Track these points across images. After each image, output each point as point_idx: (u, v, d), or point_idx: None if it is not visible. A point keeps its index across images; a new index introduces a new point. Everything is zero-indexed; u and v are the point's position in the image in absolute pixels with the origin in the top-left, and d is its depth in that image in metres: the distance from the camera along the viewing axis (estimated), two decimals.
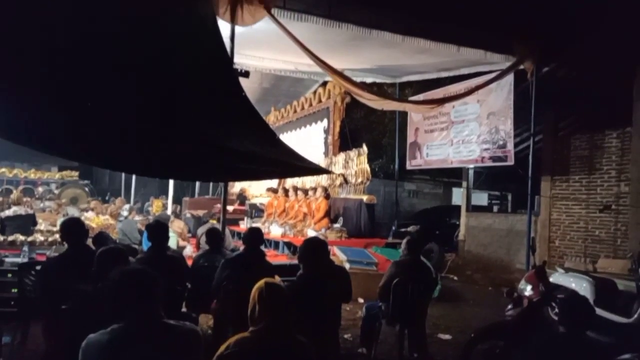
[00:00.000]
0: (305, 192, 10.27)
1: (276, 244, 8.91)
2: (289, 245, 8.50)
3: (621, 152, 8.44)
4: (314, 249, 3.48)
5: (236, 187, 15.29)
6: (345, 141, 11.70)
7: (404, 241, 4.72)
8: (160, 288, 2.15)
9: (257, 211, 11.34)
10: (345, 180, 10.10)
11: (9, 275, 4.94)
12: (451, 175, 16.27)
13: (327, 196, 9.62)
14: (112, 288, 2.10)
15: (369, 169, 10.12)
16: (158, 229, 4.35)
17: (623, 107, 7.99)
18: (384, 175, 15.80)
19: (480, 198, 14.02)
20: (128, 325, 2.05)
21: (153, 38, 3.39)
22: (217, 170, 3.99)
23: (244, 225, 10.35)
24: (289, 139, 13.85)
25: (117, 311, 2.06)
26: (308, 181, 12.25)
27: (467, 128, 9.60)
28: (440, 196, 19.39)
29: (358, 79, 9.19)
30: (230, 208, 11.61)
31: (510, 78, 8.37)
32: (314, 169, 4.59)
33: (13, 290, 4.59)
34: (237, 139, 3.80)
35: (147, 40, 3.33)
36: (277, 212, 10.72)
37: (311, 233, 8.64)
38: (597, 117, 8.79)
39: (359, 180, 10.17)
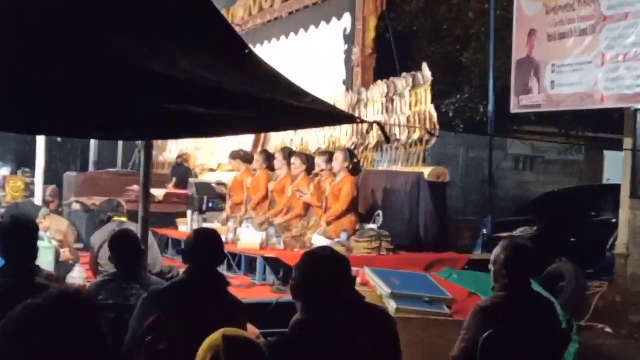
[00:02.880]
0: (308, 160, 10.31)
1: (250, 263, 9.01)
2: (274, 264, 8.60)
3: None
4: (324, 272, 3.52)
5: (170, 150, 15.37)
6: (386, 59, 11.68)
7: (498, 256, 4.75)
8: None
9: (212, 198, 11.42)
10: (387, 138, 10.06)
11: None
12: (601, 126, 16.18)
13: (352, 169, 9.65)
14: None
15: (434, 114, 10.11)
16: (16, 237, 4.44)
17: None
18: (464, 127, 15.78)
19: None
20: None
21: None
22: (133, 118, 4.14)
23: (185, 227, 10.45)
24: (274, 53, 13.82)
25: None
26: (313, 139, 12.25)
27: (635, 30, 9.55)
28: (580, 167, 19.33)
29: None
30: (158, 192, 11.67)
31: None
32: (322, 114, 4.63)
33: None
34: (177, 57, 3.92)
35: None
36: (254, 201, 10.85)
37: (319, 241, 8.71)
38: None
39: (415, 136, 10.21)
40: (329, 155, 9.87)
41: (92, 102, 3.91)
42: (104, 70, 3.79)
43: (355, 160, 9.89)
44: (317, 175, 9.99)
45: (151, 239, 7.02)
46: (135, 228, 6.24)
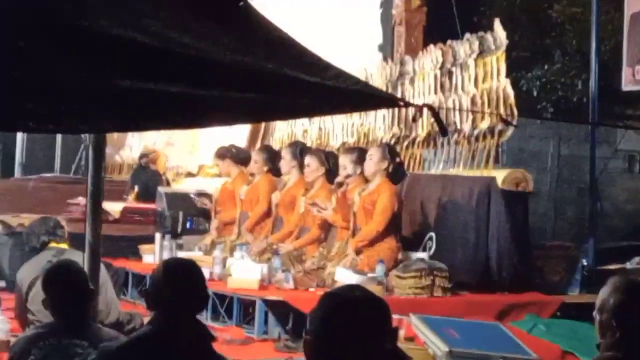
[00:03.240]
0: (329, 160, 10.30)
1: (246, 309, 9.06)
2: (280, 310, 8.63)
3: None
4: (351, 322, 3.51)
5: (131, 147, 15.39)
6: (442, 14, 11.69)
7: (606, 299, 4.71)
8: None
9: (190, 216, 11.43)
10: (443, 128, 10.06)
11: None
12: None
13: (392, 173, 9.63)
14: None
15: (511, 93, 10.06)
16: None
17: None
18: (554, 111, 15.72)
19: None
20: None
21: None
22: (77, 102, 4.15)
23: (152, 257, 10.51)
24: (280, 7, 13.78)
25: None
26: (336, 130, 12.21)
27: None
28: None
29: None
30: (113, 207, 11.67)
31: None
32: (350, 95, 4.61)
33: None
34: (141, 13, 3.95)
35: None
36: (251, 219, 10.91)
37: (345, 277, 8.70)
38: None
39: (484, 124, 10.21)
40: (359, 153, 9.86)
41: (16, 77, 3.88)
42: (33, 31, 3.76)
43: (397, 160, 9.86)
44: (341, 184, 9.94)
45: (104, 274, 7.02)
46: (81, 259, 6.23)
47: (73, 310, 5.24)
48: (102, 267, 6.77)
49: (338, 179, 9.94)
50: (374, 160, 9.53)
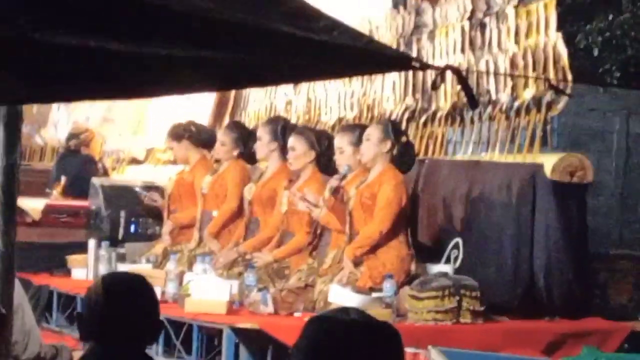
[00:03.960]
0: (320, 142, 10.30)
1: (210, 340, 9.12)
2: (255, 341, 8.69)
3: None
4: (349, 355, 3.52)
5: (56, 125, 15.43)
6: None
7: None
8: None
9: (135, 216, 11.46)
10: (473, 98, 10.07)
11: None
12: None
13: (400, 157, 9.64)
14: None
15: (564, 52, 10.08)
16: None
17: None
18: (621, 76, 15.73)
19: None
20: None
21: None
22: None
23: (84, 272, 10.59)
24: None
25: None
26: (330, 101, 12.24)
27: None
28: None
29: None
30: (32, 205, 11.70)
31: None
32: (349, 54, 4.60)
33: None
34: None
35: None
36: (216, 220, 10.99)
37: (341, 297, 8.69)
38: None
39: (527, 93, 10.24)
40: (361, 133, 9.88)
41: None
42: None
43: (403, 141, 9.92)
44: (337, 190, 9.80)
45: (19, 295, 7.04)
46: None
47: None
48: (18, 284, 6.78)
49: (332, 183, 9.77)
50: (372, 142, 9.53)
